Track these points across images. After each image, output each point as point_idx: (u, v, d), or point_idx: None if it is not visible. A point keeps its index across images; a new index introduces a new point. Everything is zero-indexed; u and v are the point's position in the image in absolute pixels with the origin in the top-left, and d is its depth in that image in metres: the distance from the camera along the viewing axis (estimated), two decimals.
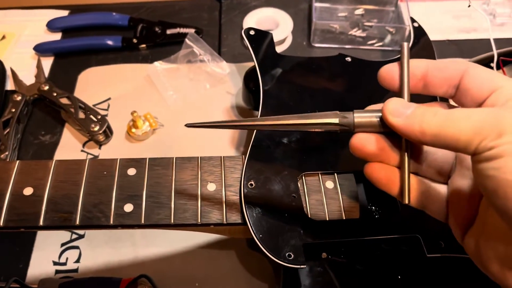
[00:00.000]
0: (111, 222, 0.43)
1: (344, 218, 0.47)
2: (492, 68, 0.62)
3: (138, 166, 0.47)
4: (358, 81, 0.58)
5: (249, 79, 0.61)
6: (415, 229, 0.46)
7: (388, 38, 0.76)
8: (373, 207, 0.51)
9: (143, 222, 0.43)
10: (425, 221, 0.46)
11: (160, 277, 0.52)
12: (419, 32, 0.65)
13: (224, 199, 0.46)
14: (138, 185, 0.46)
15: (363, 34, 0.76)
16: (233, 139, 0.66)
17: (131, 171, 0.47)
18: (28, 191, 0.44)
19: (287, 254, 0.42)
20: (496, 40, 0.66)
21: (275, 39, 0.64)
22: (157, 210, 0.44)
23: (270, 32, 0.61)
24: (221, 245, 0.56)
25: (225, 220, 0.44)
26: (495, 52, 0.63)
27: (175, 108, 0.70)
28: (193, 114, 0.69)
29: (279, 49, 0.77)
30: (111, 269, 0.55)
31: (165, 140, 0.67)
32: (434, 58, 0.61)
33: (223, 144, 0.66)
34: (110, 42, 0.77)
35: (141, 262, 0.55)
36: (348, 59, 0.60)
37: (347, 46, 0.78)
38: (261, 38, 0.60)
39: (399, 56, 0.34)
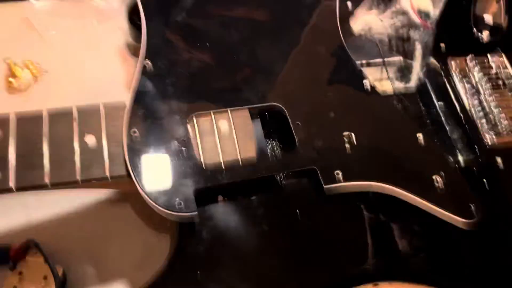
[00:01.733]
0: None
1: (240, 158, 0.44)
2: None
3: (2, 124, 0.41)
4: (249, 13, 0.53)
5: (134, 12, 0.54)
6: (313, 161, 0.45)
7: None
8: (272, 142, 0.49)
9: (13, 186, 0.39)
10: (323, 152, 0.46)
11: (58, 239, 0.49)
12: None
13: (106, 151, 0.41)
14: (4, 146, 0.40)
15: None
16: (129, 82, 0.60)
17: None
18: None
19: (176, 203, 0.40)
20: None
21: None
22: (30, 171, 0.40)
23: None
24: (123, 198, 0.53)
25: (108, 174, 0.41)
26: None
27: (60, 51, 0.62)
28: (82, 56, 0.62)
29: None
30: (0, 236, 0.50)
31: (53, 87, 0.60)
32: None
33: (121, 85, 0.60)
34: None
35: (36, 226, 0.51)
36: None
37: None
38: None
39: None
